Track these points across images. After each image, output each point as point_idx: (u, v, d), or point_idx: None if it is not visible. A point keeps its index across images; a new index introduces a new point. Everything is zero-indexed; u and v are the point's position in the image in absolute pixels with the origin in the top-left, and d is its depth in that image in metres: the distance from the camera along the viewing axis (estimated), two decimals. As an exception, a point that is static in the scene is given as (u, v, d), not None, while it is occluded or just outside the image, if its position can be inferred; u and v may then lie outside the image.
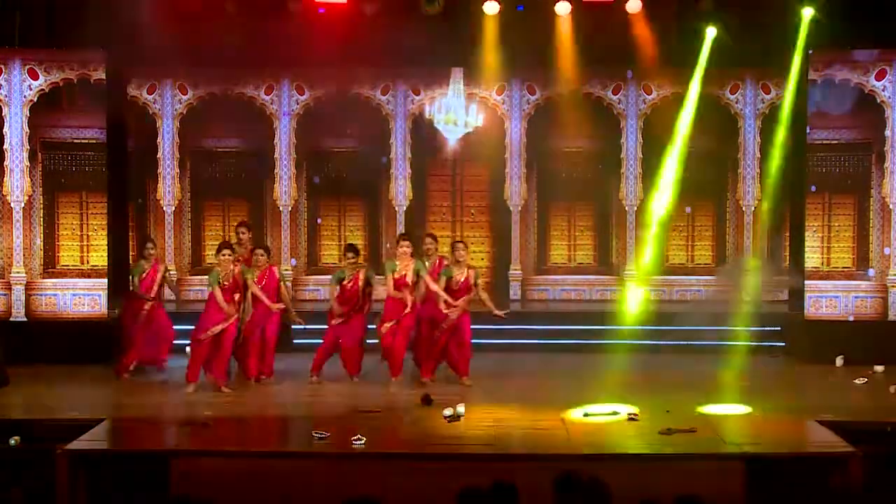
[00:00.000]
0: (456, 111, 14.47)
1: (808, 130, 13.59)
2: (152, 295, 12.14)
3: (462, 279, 11.51)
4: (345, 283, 11.60)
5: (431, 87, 15.71)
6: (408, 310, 11.41)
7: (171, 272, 13.90)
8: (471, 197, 16.82)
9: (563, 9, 13.97)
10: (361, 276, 11.66)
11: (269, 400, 11.11)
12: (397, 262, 11.55)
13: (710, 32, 13.93)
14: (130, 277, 12.35)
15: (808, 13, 13.11)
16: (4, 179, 13.39)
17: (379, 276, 12.15)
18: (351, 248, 11.96)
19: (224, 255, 11.22)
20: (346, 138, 16.31)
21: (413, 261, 11.55)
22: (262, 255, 11.59)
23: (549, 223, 16.72)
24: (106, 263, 13.71)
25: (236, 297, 11.22)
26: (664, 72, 15.49)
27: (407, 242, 11.65)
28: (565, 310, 15.69)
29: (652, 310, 14.73)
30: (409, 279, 11.45)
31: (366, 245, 16.57)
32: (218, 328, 11.09)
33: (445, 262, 11.85)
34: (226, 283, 11.15)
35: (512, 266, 16.07)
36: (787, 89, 13.93)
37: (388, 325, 11.41)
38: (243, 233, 12.37)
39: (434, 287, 11.43)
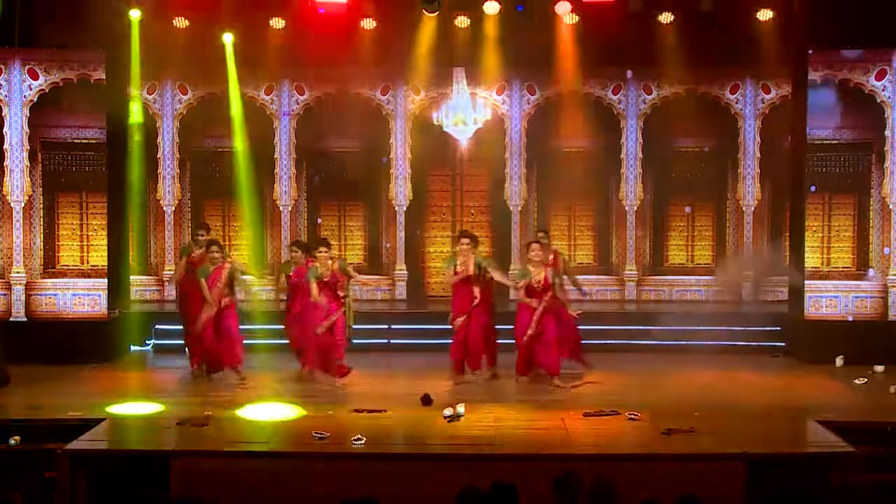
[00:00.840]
0: (463, 111, 14.50)
1: (808, 131, 13.58)
2: (216, 295, 11.69)
3: (541, 279, 11.41)
4: (457, 268, 11.68)
5: (432, 87, 15.71)
6: (476, 301, 11.58)
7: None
8: (471, 197, 16.82)
9: (562, 9, 13.99)
10: (471, 261, 11.69)
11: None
12: (459, 258, 11.67)
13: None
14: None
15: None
16: (4, 179, 13.37)
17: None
18: (464, 234, 12.06)
19: (321, 252, 11.40)
20: (346, 138, 16.31)
21: (474, 255, 11.70)
22: (325, 252, 11.54)
23: (549, 223, 16.70)
24: (106, 263, 13.71)
25: (339, 292, 11.49)
26: (664, 72, 15.51)
27: (467, 239, 11.78)
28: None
29: (651, 309, 14.72)
30: (472, 271, 11.58)
31: (366, 245, 16.59)
32: (331, 319, 11.30)
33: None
34: (326, 278, 11.32)
35: (512, 266, 16.05)
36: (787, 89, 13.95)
37: (460, 319, 11.57)
38: (202, 234, 12.23)
39: (501, 279, 11.80)
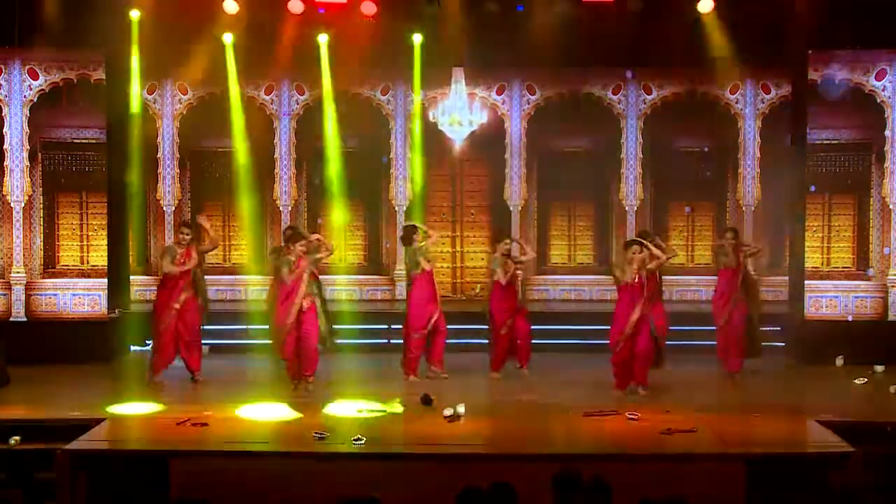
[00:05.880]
0: (459, 111, 14.47)
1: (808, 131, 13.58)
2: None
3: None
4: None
5: (431, 87, 15.70)
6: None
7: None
8: (471, 197, 16.82)
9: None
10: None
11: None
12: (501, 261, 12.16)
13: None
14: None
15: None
16: (4, 179, 13.38)
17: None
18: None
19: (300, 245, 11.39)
20: (346, 138, 16.30)
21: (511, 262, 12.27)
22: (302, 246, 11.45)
23: (549, 223, 16.72)
24: (106, 263, 13.72)
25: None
26: (664, 72, 15.51)
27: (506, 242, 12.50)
28: (565, 310, 15.69)
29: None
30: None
31: (366, 245, 16.59)
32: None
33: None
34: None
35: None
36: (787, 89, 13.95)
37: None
38: (186, 233, 11.99)
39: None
